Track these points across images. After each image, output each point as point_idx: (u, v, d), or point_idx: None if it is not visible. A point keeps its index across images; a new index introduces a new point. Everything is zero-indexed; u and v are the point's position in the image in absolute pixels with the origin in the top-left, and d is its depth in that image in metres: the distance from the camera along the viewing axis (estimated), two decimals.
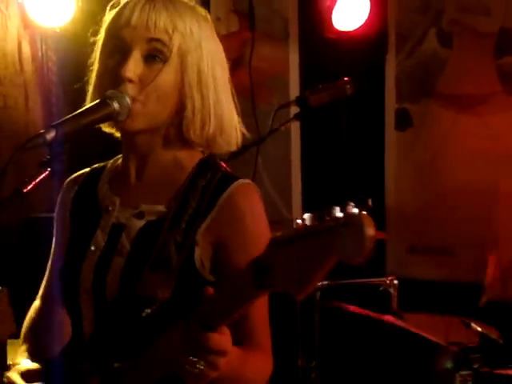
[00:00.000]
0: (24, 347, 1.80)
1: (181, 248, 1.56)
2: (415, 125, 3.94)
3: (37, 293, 1.86)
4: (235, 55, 3.93)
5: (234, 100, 1.70)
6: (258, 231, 1.58)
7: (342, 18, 3.72)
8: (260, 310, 1.61)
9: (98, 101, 1.57)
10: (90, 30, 1.71)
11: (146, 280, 1.54)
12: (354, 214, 1.17)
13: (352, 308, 2.86)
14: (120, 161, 1.75)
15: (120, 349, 1.53)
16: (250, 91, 3.93)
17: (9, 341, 2.31)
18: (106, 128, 1.70)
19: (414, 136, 3.95)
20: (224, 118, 1.65)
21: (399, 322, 2.79)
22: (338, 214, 1.20)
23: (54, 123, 1.48)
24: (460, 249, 3.84)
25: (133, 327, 1.53)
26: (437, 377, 2.70)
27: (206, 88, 1.63)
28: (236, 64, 3.93)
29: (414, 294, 3.25)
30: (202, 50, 1.63)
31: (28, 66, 3.81)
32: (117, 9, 1.65)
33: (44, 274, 1.85)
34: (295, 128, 4.00)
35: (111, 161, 1.79)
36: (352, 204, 1.20)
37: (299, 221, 1.25)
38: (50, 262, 1.83)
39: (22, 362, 1.72)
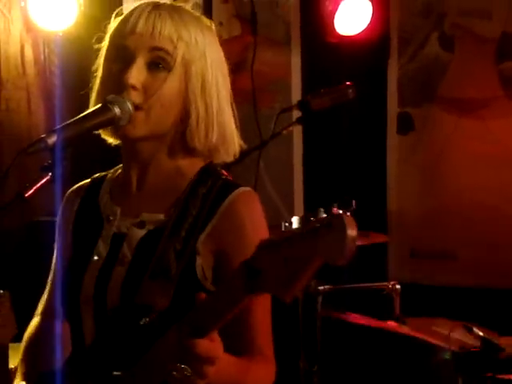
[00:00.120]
0: (19, 369, 1.79)
1: (180, 256, 1.56)
2: (417, 129, 3.94)
3: (39, 296, 1.86)
4: (237, 59, 3.93)
5: (233, 111, 1.70)
6: (259, 239, 1.57)
7: (344, 22, 3.72)
8: (262, 316, 1.61)
9: (99, 105, 1.57)
10: (95, 37, 1.71)
11: (146, 289, 1.54)
12: (335, 215, 1.17)
13: (353, 317, 2.85)
14: (120, 170, 1.75)
15: (119, 358, 1.53)
16: (252, 95, 3.93)
17: (10, 345, 2.31)
18: (108, 137, 1.70)
19: (416, 140, 3.95)
20: (226, 126, 1.66)
21: (401, 329, 2.78)
22: (323, 215, 1.21)
23: (56, 128, 1.49)
24: (462, 253, 3.84)
25: (131, 336, 1.53)
26: (440, 381, 2.70)
27: (210, 97, 1.63)
28: (238, 68, 3.93)
29: (416, 298, 3.24)
30: (206, 59, 1.63)
31: (30, 70, 3.82)
32: (122, 16, 1.65)
33: (45, 278, 1.85)
34: (297, 132, 4.00)
35: (112, 170, 1.79)
36: (336, 205, 1.21)
37: (286, 224, 1.26)
38: (50, 277, 1.83)
39: None
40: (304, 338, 3.08)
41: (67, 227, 1.77)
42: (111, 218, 1.67)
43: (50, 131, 1.47)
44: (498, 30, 3.74)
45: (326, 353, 3.07)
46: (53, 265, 1.82)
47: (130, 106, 1.56)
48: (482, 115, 3.78)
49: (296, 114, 2.88)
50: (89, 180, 1.81)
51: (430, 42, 3.89)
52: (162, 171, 1.67)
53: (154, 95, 1.58)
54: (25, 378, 1.76)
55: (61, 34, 3.71)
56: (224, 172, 1.69)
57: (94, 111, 1.56)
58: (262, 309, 1.59)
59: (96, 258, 1.65)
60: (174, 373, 1.39)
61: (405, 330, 2.79)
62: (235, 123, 1.70)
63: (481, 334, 2.66)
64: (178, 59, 1.59)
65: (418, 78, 3.93)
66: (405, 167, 3.97)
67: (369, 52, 3.87)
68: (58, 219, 1.81)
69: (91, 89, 1.70)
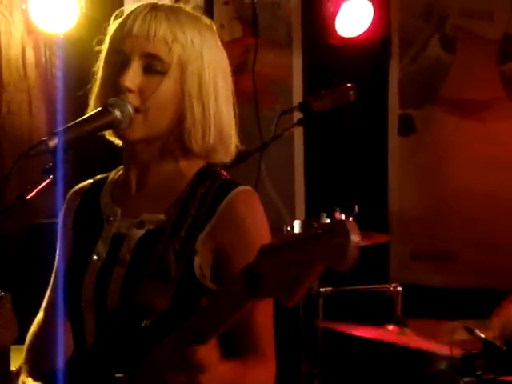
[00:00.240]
0: (24, 367, 1.80)
1: (180, 257, 1.56)
2: (418, 130, 3.94)
3: (40, 299, 1.86)
4: (238, 61, 3.93)
5: (234, 111, 1.70)
6: (259, 237, 1.56)
7: (346, 23, 3.72)
8: (264, 318, 1.61)
9: (100, 108, 1.58)
10: (96, 39, 1.71)
11: (146, 290, 1.54)
12: (339, 221, 1.17)
13: (353, 330, 2.82)
14: (121, 171, 1.75)
15: (120, 360, 1.53)
16: (253, 97, 3.93)
17: (12, 347, 2.31)
18: (110, 136, 1.70)
19: (418, 142, 3.95)
20: (224, 128, 1.66)
21: (400, 339, 2.76)
22: (325, 220, 1.21)
23: (57, 130, 1.49)
24: (463, 254, 3.84)
25: (132, 338, 1.53)
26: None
27: (207, 98, 1.63)
28: (239, 70, 3.93)
29: (418, 300, 3.24)
30: (203, 60, 1.63)
31: (32, 72, 3.82)
32: (121, 18, 1.65)
33: (47, 280, 1.85)
34: (298, 134, 4.00)
35: (113, 171, 1.79)
36: (339, 210, 1.21)
37: (288, 228, 1.26)
38: (53, 275, 1.83)
39: None
40: (305, 341, 3.07)
41: (68, 227, 1.78)
42: (111, 219, 1.68)
43: (52, 134, 1.48)
44: (499, 32, 3.74)
45: (327, 355, 3.07)
46: (56, 262, 1.82)
47: (130, 108, 1.57)
48: (483, 117, 3.78)
49: (297, 115, 2.88)
50: (91, 180, 1.81)
51: (431, 44, 3.89)
52: (161, 172, 1.67)
53: (149, 98, 1.58)
54: (30, 375, 1.76)
55: (62, 37, 3.71)
56: (223, 172, 1.69)
57: (94, 114, 1.57)
58: (263, 310, 1.59)
59: (95, 258, 1.65)
60: (169, 380, 1.39)
61: (404, 339, 2.77)
62: (235, 123, 1.70)
63: (482, 335, 2.65)
64: (174, 61, 1.60)
65: (420, 80, 3.93)
66: (406, 169, 3.97)
67: (370, 53, 3.87)
68: (60, 219, 1.82)
69: (90, 90, 1.70)
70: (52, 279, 1.83)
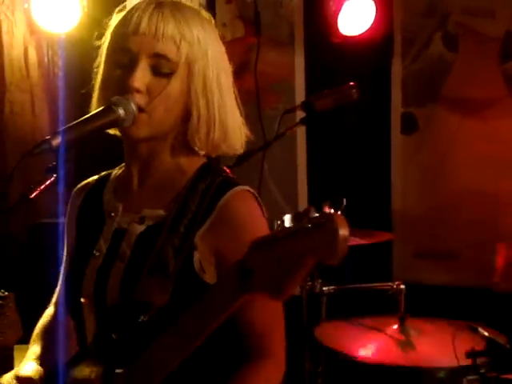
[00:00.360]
0: (31, 349, 1.80)
1: (178, 252, 1.56)
2: (421, 129, 3.94)
3: (43, 298, 1.87)
4: (241, 60, 3.93)
5: (237, 102, 1.70)
6: (255, 236, 1.57)
7: (348, 22, 3.72)
8: (272, 316, 1.61)
9: (103, 107, 1.57)
10: (95, 35, 1.71)
11: (144, 285, 1.54)
12: (327, 215, 1.17)
13: (357, 353, 2.80)
14: (124, 167, 1.75)
15: (120, 354, 1.53)
16: (255, 96, 3.93)
17: (16, 346, 2.31)
18: (112, 130, 1.70)
19: (420, 140, 3.95)
20: (228, 122, 1.66)
21: (405, 359, 2.75)
22: (314, 214, 1.21)
23: (60, 129, 1.49)
24: (466, 253, 3.83)
25: (131, 333, 1.53)
26: None
27: (211, 93, 1.63)
28: (242, 69, 3.93)
29: (420, 298, 3.24)
30: (208, 56, 1.63)
31: (34, 72, 3.82)
32: (123, 13, 1.64)
33: (50, 279, 1.86)
34: (301, 133, 4.00)
35: (117, 168, 1.79)
36: (327, 204, 1.21)
37: (279, 222, 1.26)
38: (62, 270, 1.84)
39: (23, 367, 1.72)
40: (309, 339, 3.07)
41: (72, 223, 1.79)
42: (113, 214, 1.69)
43: (55, 133, 1.48)
44: (501, 29, 3.73)
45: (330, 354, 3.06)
46: (64, 257, 1.83)
47: (134, 107, 1.57)
48: (486, 115, 3.78)
49: (300, 114, 2.88)
50: (96, 177, 1.82)
51: (433, 42, 3.88)
52: (163, 168, 1.67)
53: (157, 97, 1.58)
54: (37, 359, 1.75)
55: (64, 36, 3.71)
56: (225, 169, 1.70)
57: (98, 113, 1.57)
58: (271, 308, 1.59)
59: (97, 253, 1.66)
60: None
61: (408, 359, 2.75)
62: (240, 114, 1.70)
63: (486, 333, 2.65)
64: (182, 59, 1.60)
65: (422, 78, 3.93)
66: (409, 167, 3.97)
67: (372, 52, 3.86)
68: (66, 216, 1.83)
69: (92, 88, 1.70)
70: (60, 276, 1.84)
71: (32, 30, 3.76)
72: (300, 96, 4.00)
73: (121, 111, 1.55)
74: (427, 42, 3.90)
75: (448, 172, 3.87)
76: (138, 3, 1.62)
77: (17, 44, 3.76)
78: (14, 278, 2.98)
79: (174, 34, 1.58)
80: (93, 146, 1.72)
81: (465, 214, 3.82)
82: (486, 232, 3.76)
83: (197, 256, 1.57)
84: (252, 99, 3.90)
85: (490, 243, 3.71)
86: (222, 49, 1.69)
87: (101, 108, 1.58)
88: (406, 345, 2.81)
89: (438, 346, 2.76)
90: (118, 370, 1.52)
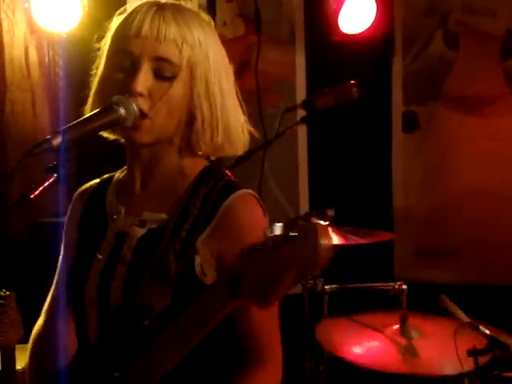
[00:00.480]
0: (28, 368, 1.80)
1: (180, 257, 1.56)
2: (422, 127, 3.94)
3: (44, 298, 1.87)
4: (241, 59, 3.93)
5: (239, 101, 1.70)
6: (256, 240, 1.56)
7: (349, 20, 3.72)
8: (268, 320, 1.61)
9: (104, 106, 1.57)
10: (96, 36, 1.70)
11: (145, 290, 1.54)
12: (308, 225, 1.18)
13: (356, 359, 2.80)
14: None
15: (120, 358, 1.54)
16: (256, 95, 3.93)
17: (17, 346, 2.32)
18: (111, 135, 1.70)
19: (422, 138, 3.95)
20: (231, 124, 1.65)
21: (408, 369, 2.74)
22: (301, 223, 1.22)
23: (60, 129, 1.49)
24: (467, 251, 3.83)
25: (132, 337, 1.53)
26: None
27: (214, 96, 1.62)
28: (242, 68, 3.92)
29: (421, 296, 3.23)
30: (209, 59, 1.63)
31: (35, 72, 3.81)
32: (124, 15, 1.64)
33: (51, 279, 1.85)
34: (302, 131, 4.00)
35: (119, 170, 1.79)
36: (313, 214, 1.23)
37: (275, 224, 1.27)
38: (56, 277, 1.83)
39: None
40: (310, 338, 3.07)
41: (73, 228, 1.78)
42: (115, 217, 1.68)
43: (55, 132, 1.48)
44: (502, 27, 3.74)
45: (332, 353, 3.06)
46: (59, 263, 1.82)
47: (135, 107, 1.56)
48: (487, 113, 3.78)
49: (300, 113, 2.88)
50: (97, 180, 1.82)
51: (434, 41, 3.89)
52: (165, 171, 1.67)
53: (159, 101, 1.57)
54: (33, 377, 1.76)
55: (65, 36, 3.71)
56: (227, 172, 1.69)
57: (99, 112, 1.56)
58: (267, 312, 1.59)
59: (100, 256, 1.65)
60: None
61: (409, 364, 2.74)
62: (243, 112, 1.70)
63: (487, 331, 2.65)
64: (183, 63, 1.59)
65: (423, 76, 3.93)
66: (410, 165, 3.97)
67: (373, 50, 3.86)
68: (65, 219, 1.82)
69: (90, 88, 1.69)
70: (54, 283, 1.83)
71: (33, 29, 3.75)
72: (301, 95, 3.99)
73: (122, 110, 1.55)
74: (428, 40, 3.90)
75: (449, 170, 3.87)
76: (139, 6, 1.62)
77: (17, 43, 3.75)
78: (15, 277, 2.98)
79: (175, 36, 1.58)
80: (93, 146, 1.72)
81: (466, 213, 3.82)
82: (487, 230, 3.76)
83: (198, 260, 1.57)
84: (253, 98, 3.90)
85: (491, 241, 3.71)
86: (223, 51, 1.69)
87: (101, 107, 1.57)
88: (407, 348, 2.80)
89: (439, 346, 2.76)
90: (116, 374, 1.52)
